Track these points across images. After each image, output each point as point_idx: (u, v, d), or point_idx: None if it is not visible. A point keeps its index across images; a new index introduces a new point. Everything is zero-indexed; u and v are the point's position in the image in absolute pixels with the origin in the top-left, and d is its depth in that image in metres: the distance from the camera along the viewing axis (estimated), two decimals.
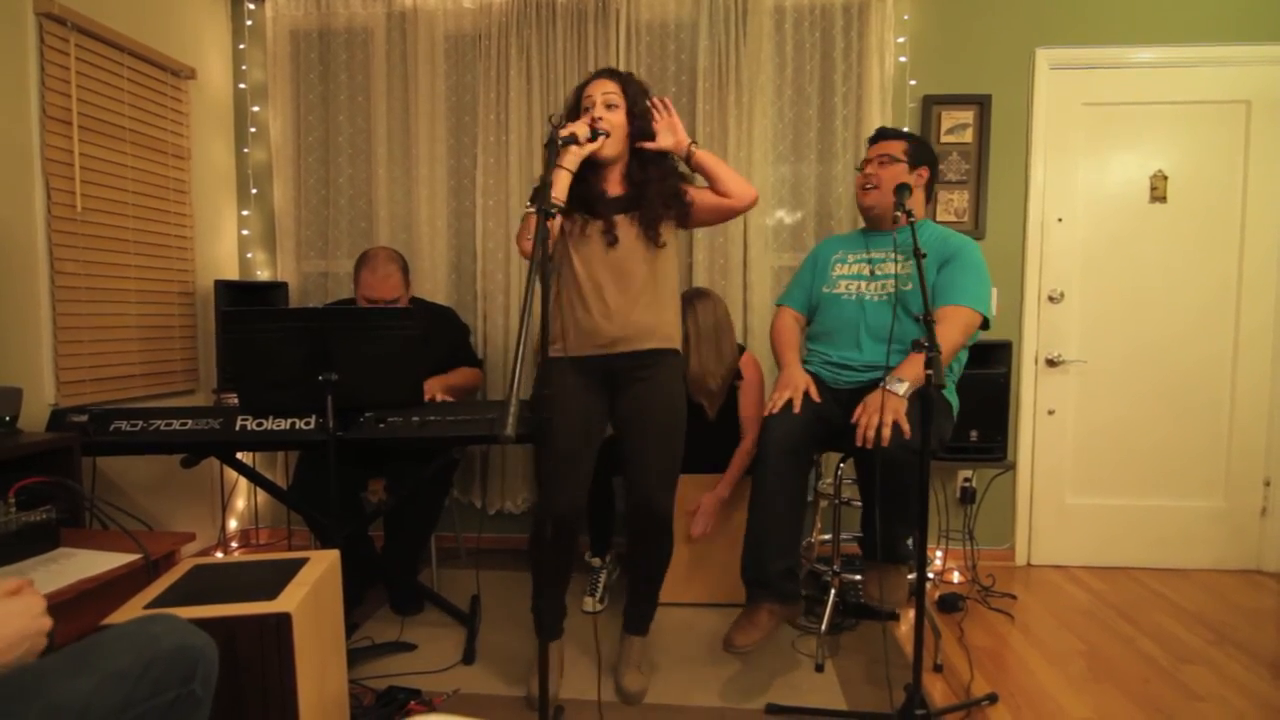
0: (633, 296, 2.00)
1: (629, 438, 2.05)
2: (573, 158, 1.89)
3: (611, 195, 2.02)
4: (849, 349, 2.30)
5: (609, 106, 1.96)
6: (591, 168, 1.98)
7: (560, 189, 1.89)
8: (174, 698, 1.04)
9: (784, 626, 2.54)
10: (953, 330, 2.10)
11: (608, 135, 1.93)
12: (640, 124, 1.99)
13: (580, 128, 1.87)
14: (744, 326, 3.07)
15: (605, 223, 1.98)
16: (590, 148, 1.90)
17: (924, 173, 2.34)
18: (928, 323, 1.77)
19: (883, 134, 2.41)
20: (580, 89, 2.03)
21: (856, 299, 2.33)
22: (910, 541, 2.19)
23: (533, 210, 1.89)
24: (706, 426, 2.69)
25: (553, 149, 1.78)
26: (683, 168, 2.10)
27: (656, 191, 1.99)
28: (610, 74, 2.02)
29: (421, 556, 2.78)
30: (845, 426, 2.25)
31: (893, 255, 2.28)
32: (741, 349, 2.75)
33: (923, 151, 2.35)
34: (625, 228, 1.98)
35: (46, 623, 1.00)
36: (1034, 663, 2.33)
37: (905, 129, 2.66)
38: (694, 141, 2.03)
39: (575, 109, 2.02)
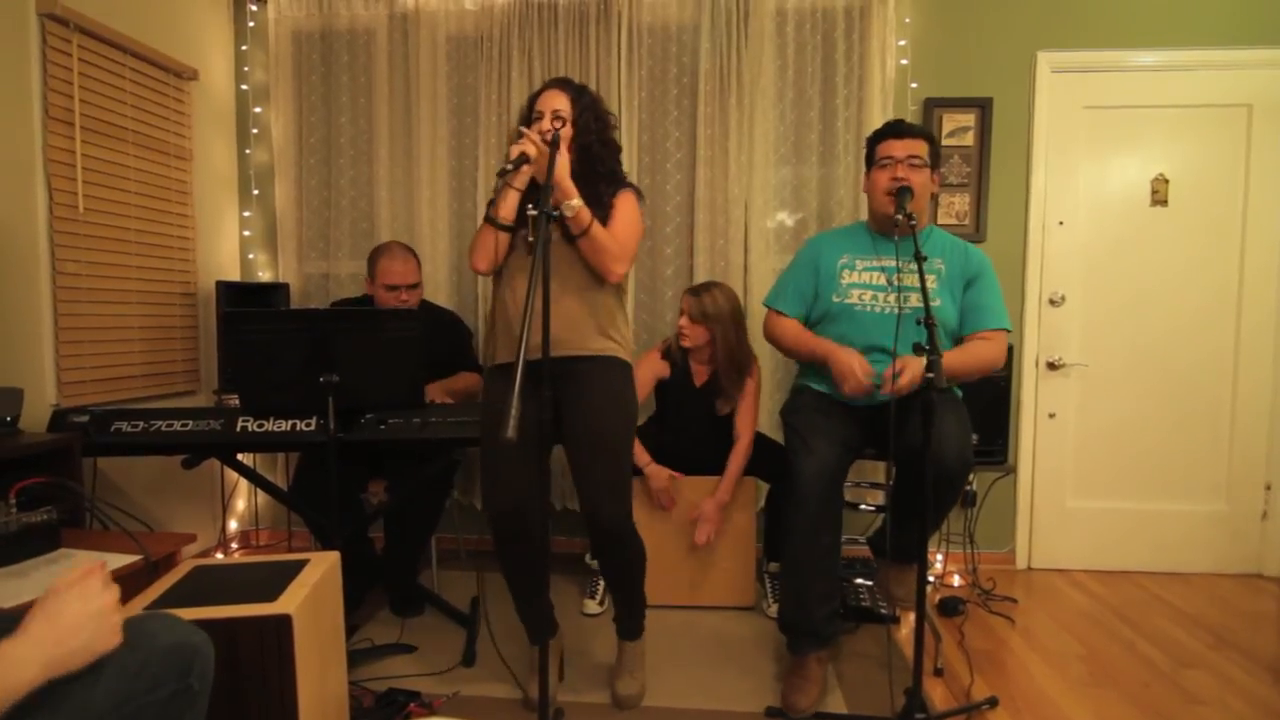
0: (556, 299, 1.89)
1: (575, 451, 1.98)
2: (523, 178, 1.89)
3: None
4: (869, 364, 2.16)
5: (557, 119, 1.92)
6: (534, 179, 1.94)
7: (510, 209, 1.89)
8: (171, 693, 1.05)
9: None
10: (996, 349, 2.20)
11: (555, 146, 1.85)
12: (589, 138, 1.95)
13: (529, 146, 1.82)
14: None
15: (527, 230, 1.91)
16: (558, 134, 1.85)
17: (938, 177, 2.27)
18: (928, 325, 1.76)
19: (906, 129, 2.22)
20: (533, 99, 2.00)
21: (873, 310, 2.21)
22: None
23: (489, 225, 1.90)
24: (712, 425, 2.70)
25: (554, 149, 1.76)
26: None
27: (581, 195, 1.91)
28: (562, 85, 1.99)
29: (422, 558, 2.78)
30: (870, 437, 2.24)
31: (911, 266, 2.08)
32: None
33: (939, 153, 2.26)
34: (554, 233, 1.92)
35: (105, 630, 0.96)
36: (1034, 666, 2.33)
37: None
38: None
39: (527, 119, 1.99)
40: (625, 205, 2.01)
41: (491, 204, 1.96)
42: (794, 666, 2.10)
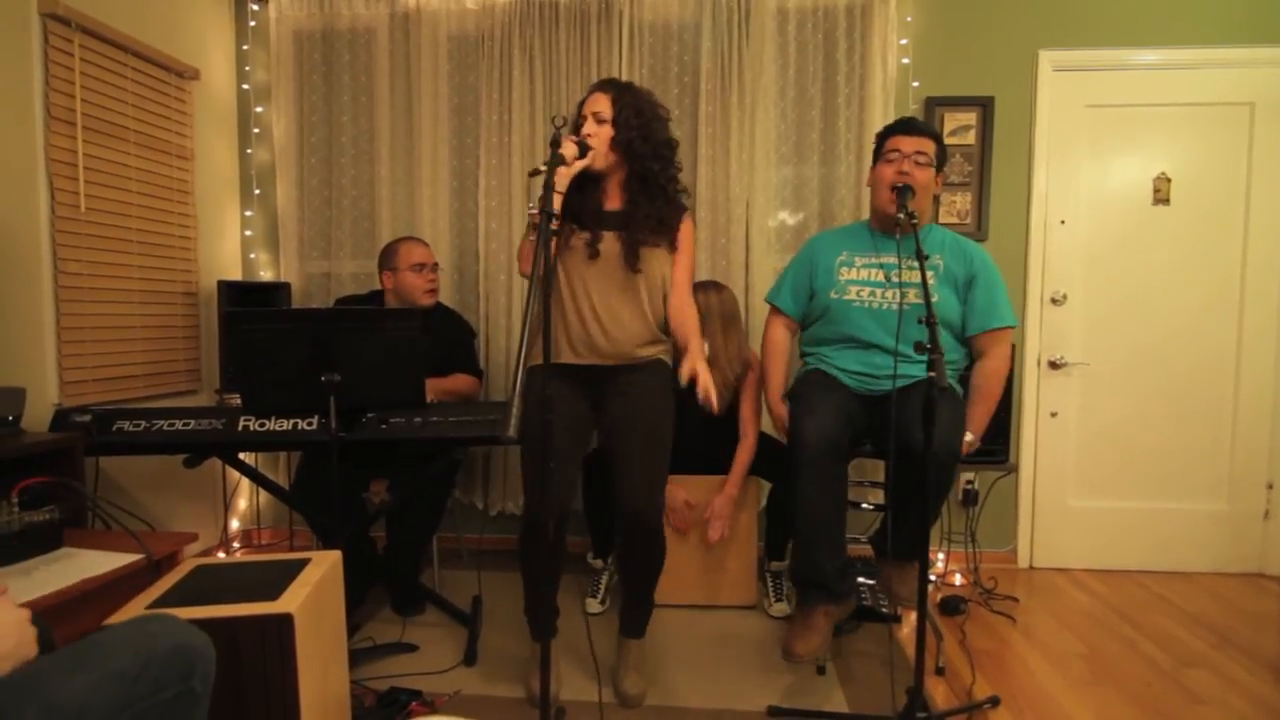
0: (613, 309, 2.01)
1: (617, 443, 2.06)
2: (562, 178, 1.89)
3: (607, 209, 2.03)
4: (870, 356, 2.25)
5: (599, 121, 1.96)
6: (591, 180, 2.00)
7: (555, 208, 1.89)
8: (173, 695, 1.04)
9: (783, 627, 2.54)
10: (1002, 361, 2.25)
11: (592, 153, 1.92)
12: (630, 135, 1.96)
13: (569, 148, 1.86)
14: (745, 327, 3.06)
15: (591, 235, 1.98)
16: (578, 165, 1.89)
17: (941, 178, 2.29)
18: (930, 324, 1.76)
19: (915, 126, 2.26)
20: (581, 103, 2.04)
21: (870, 306, 2.26)
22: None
23: (534, 213, 1.91)
24: (712, 424, 2.69)
25: (555, 150, 1.78)
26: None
27: (645, 215, 1.99)
28: (605, 85, 2.02)
29: (423, 557, 2.78)
30: (870, 428, 2.24)
31: (910, 263, 2.16)
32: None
33: (945, 154, 2.29)
34: (609, 243, 1.99)
35: (28, 638, 1.00)
36: (1036, 665, 2.33)
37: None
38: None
39: (576, 125, 2.02)
40: (687, 242, 2.09)
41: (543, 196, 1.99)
42: (800, 616, 2.16)
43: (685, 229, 2.08)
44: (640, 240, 1.98)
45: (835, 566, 2.12)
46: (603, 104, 1.97)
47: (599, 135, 1.95)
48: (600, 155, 1.95)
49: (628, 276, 2.00)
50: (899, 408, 2.08)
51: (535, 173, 1.82)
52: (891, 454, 2.06)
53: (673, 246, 2.06)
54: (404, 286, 2.66)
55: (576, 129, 2.01)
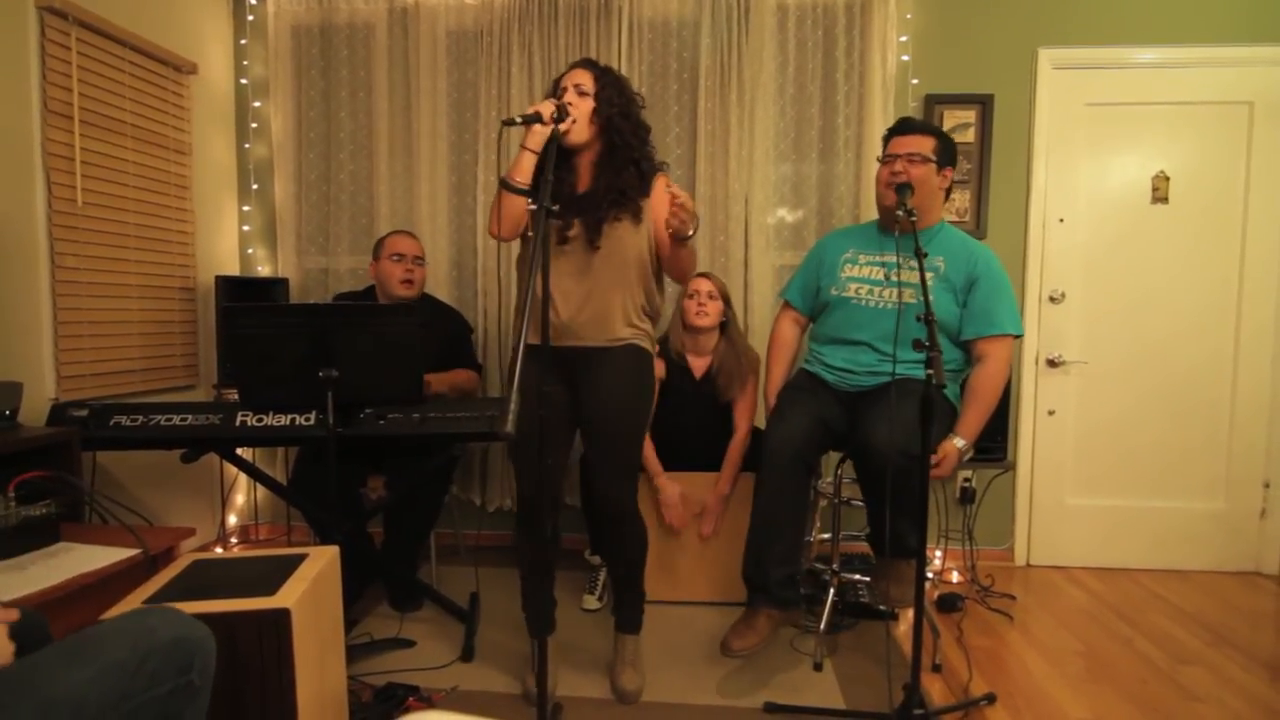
0: (581, 292, 1.97)
1: (588, 430, 2.05)
2: (536, 137, 1.87)
3: (579, 192, 2.00)
4: (856, 354, 2.27)
5: (580, 94, 1.94)
6: (564, 158, 1.97)
7: (524, 170, 1.88)
8: (171, 688, 1.04)
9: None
10: (1000, 366, 2.19)
11: (572, 120, 1.89)
12: (611, 111, 1.95)
13: (545, 106, 1.84)
14: (745, 325, 3.06)
15: (562, 220, 1.96)
16: (557, 128, 1.86)
17: (949, 174, 2.26)
18: (928, 321, 1.76)
19: (910, 126, 2.27)
20: (557, 80, 2.02)
21: (868, 304, 2.27)
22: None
23: (506, 190, 1.91)
24: (711, 421, 2.70)
25: (507, 125, 1.77)
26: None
27: (606, 188, 1.96)
28: (586, 64, 2.01)
29: (421, 553, 2.78)
30: (847, 428, 2.25)
31: (910, 263, 2.16)
32: None
33: (949, 150, 2.26)
34: (577, 227, 1.96)
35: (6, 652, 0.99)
36: (1032, 663, 2.33)
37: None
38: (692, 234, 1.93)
39: (554, 95, 2.00)
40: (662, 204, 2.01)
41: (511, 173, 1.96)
42: (744, 615, 2.20)
43: (655, 190, 2.01)
44: (601, 217, 1.94)
45: (782, 574, 2.15)
46: (585, 78, 1.96)
47: (580, 106, 1.92)
48: (580, 128, 1.92)
49: (590, 255, 1.96)
50: (865, 407, 2.13)
51: (509, 122, 1.78)
52: (889, 460, 2.07)
53: (637, 219, 1.97)
54: (382, 275, 2.69)
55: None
